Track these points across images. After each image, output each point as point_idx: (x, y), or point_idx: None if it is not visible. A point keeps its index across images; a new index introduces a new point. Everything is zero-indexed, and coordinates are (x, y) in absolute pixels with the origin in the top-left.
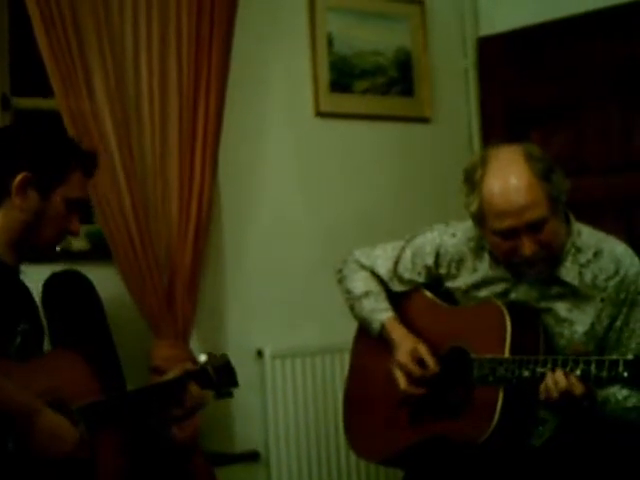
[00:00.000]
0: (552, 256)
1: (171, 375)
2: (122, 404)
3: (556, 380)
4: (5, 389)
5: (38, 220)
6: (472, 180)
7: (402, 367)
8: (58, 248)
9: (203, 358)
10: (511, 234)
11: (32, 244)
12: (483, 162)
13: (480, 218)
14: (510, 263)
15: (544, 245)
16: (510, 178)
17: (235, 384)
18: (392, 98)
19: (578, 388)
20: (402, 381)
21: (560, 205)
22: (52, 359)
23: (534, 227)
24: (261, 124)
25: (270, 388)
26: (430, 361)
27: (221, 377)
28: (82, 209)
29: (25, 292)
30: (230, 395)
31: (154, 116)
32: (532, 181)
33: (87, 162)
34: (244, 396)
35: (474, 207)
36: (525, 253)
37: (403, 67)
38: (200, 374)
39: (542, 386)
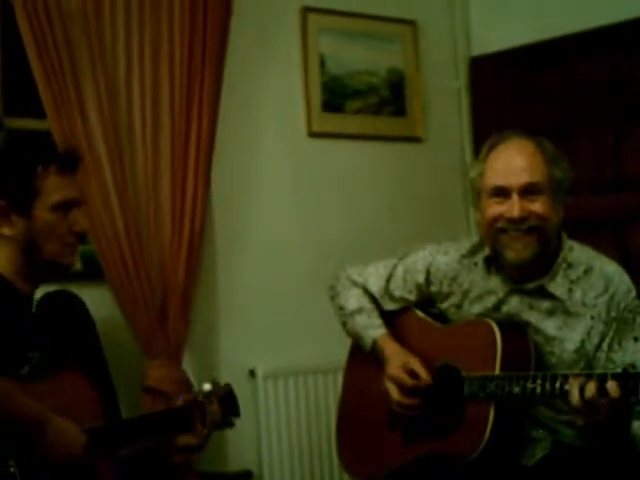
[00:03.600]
0: (541, 233)
1: (177, 404)
2: (127, 429)
3: (585, 388)
4: (18, 397)
5: (34, 240)
6: (481, 154)
7: (394, 379)
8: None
9: (207, 387)
10: (504, 194)
11: (41, 263)
12: (495, 141)
13: (478, 184)
14: (495, 238)
15: (535, 215)
16: (517, 147)
17: (237, 414)
18: (384, 118)
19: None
20: (394, 392)
21: (561, 192)
22: (57, 380)
23: (528, 192)
24: (254, 144)
25: (263, 408)
26: (422, 372)
27: (224, 406)
28: (77, 206)
29: (38, 319)
30: (232, 425)
31: (146, 137)
32: (537, 156)
33: (59, 161)
34: None
35: (476, 172)
36: (514, 213)
37: (395, 87)
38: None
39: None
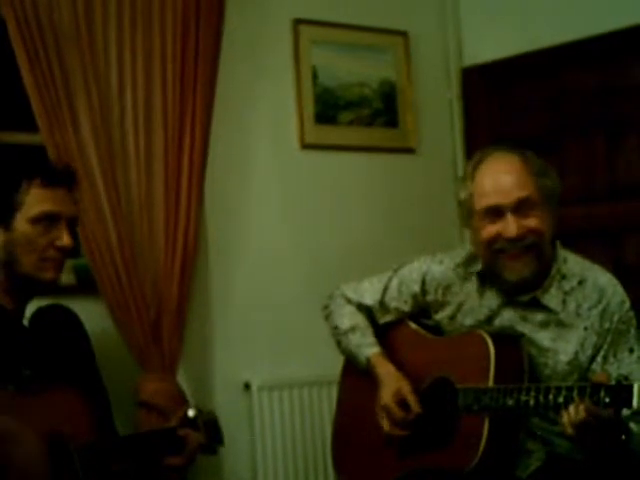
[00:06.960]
0: (539, 249)
1: (170, 425)
2: (119, 447)
3: (577, 410)
4: None
5: (13, 253)
6: (466, 173)
7: (385, 410)
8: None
9: (192, 413)
10: (497, 214)
11: (21, 278)
12: (479, 159)
13: (469, 205)
14: (493, 259)
15: (530, 231)
16: (502, 165)
17: (221, 442)
18: (377, 129)
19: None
20: (385, 423)
21: (552, 202)
22: (50, 396)
23: (521, 208)
24: (247, 157)
25: (258, 421)
26: (413, 403)
27: (208, 433)
28: (65, 221)
29: (30, 335)
30: (214, 452)
31: (139, 151)
32: (524, 169)
33: (44, 175)
34: (232, 429)
35: (464, 194)
36: (510, 233)
37: (387, 98)
38: (190, 426)
39: (564, 419)
